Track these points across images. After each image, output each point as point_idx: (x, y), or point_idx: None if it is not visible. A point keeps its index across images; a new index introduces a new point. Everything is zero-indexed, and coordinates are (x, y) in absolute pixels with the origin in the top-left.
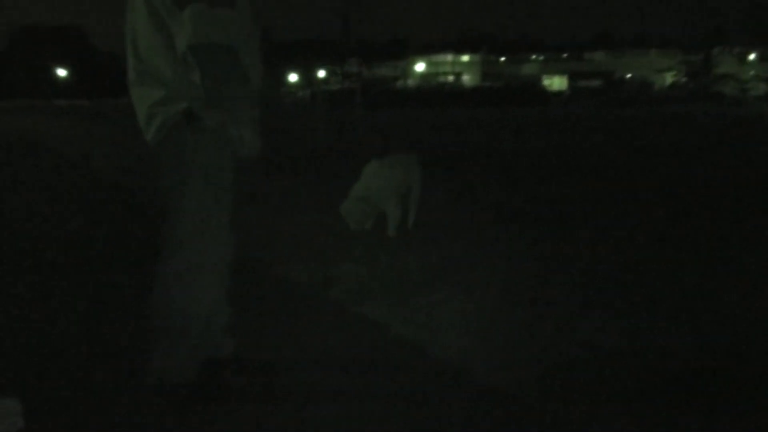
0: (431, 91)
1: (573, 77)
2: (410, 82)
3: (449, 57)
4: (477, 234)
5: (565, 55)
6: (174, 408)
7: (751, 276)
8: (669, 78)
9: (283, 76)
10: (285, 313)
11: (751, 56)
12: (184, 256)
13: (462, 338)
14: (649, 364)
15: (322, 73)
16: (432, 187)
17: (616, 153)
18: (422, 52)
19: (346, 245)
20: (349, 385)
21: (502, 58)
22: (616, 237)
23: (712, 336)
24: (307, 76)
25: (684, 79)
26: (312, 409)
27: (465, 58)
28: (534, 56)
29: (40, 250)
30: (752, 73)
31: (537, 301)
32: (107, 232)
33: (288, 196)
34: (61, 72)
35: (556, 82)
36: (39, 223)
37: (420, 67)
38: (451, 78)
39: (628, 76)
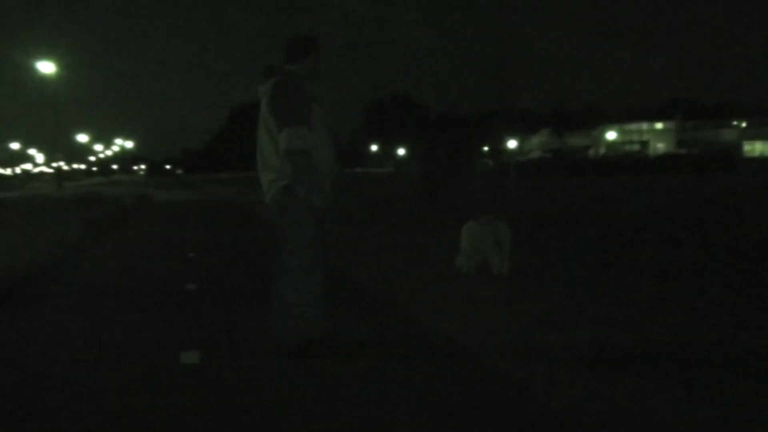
0: (616, 159)
1: None
2: (601, 151)
3: (643, 125)
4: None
5: None
6: (295, 358)
7: None
8: None
9: (479, 147)
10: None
11: None
12: (292, 266)
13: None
14: None
15: (513, 143)
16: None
17: None
18: (616, 120)
19: (448, 281)
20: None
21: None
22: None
23: None
24: (495, 147)
25: None
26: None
27: (659, 125)
28: (735, 122)
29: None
30: None
31: None
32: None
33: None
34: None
35: (758, 148)
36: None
37: (611, 135)
38: (637, 147)
39: None
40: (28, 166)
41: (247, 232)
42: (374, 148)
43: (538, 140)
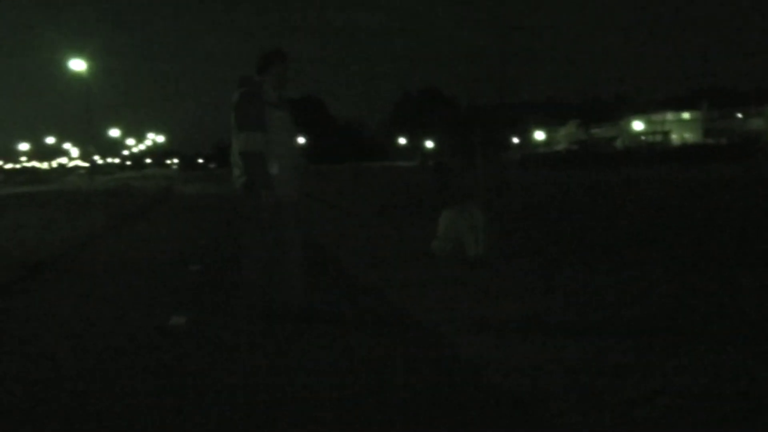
0: (637, 150)
1: None
2: (619, 143)
3: (669, 115)
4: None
5: None
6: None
7: None
8: None
9: (506, 138)
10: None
11: None
12: (249, 246)
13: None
14: None
15: (541, 135)
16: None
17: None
18: (644, 110)
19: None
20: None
21: (738, 114)
22: None
23: None
24: (524, 138)
25: None
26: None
27: (685, 115)
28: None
29: None
30: None
31: None
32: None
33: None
34: (300, 140)
35: None
36: None
37: (638, 126)
38: (658, 137)
39: None
40: (63, 160)
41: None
42: (402, 141)
43: (565, 132)
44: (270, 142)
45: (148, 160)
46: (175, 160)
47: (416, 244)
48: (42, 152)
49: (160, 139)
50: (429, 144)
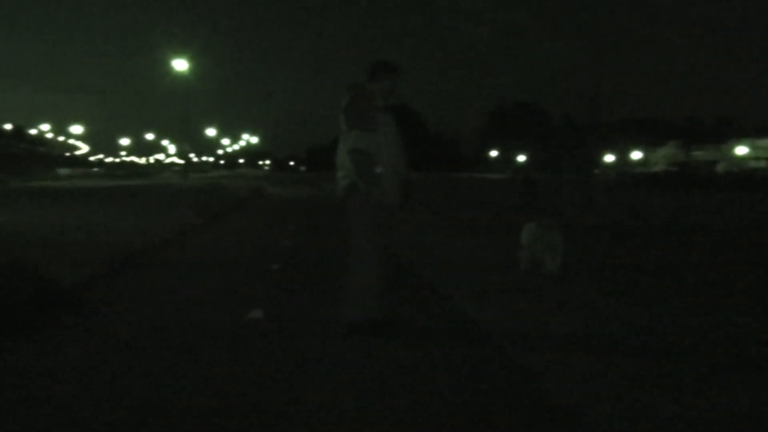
0: (740, 176)
1: None
2: (721, 167)
3: None
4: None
5: None
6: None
7: None
8: None
9: (600, 156)
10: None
11: None
12: (358, 252)
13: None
14: None
15: (638, 155)
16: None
17: None
18: (749, 134)
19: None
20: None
21: None
22: None
23: None
24: (622, 157)
25: None
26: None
27: None
28: None
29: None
30: None
31: None
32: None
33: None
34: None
35: None
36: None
37: (742, 150)
38: (762, 163)
39: None
40: (161, 156)
41: (333, 222)
42: (494, 153)
43: (664, 152)
44: (378, 144)
45: (241, 161)
46: (267, 162)
47: (499, 255)
48: (141, 148)
49: (254, 140)
50: (520, 157)
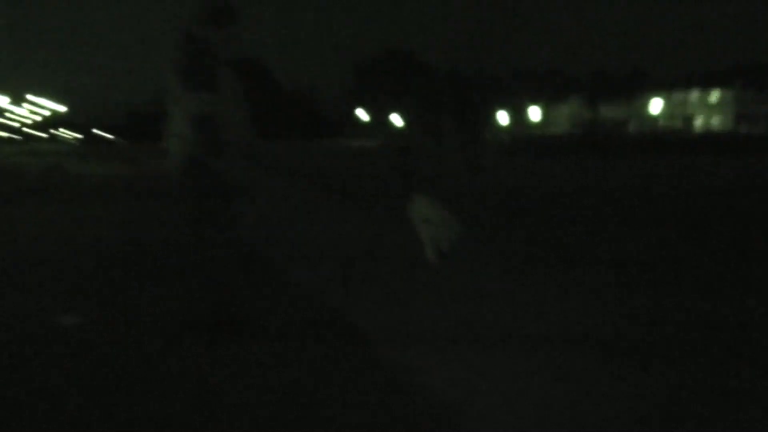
0: (653, 138)
1: None
2: (641, 126)
3: (695, 94)
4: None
5: None
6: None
7: None
8: None
9: (492, 116)
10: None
11: None
12: (204, 241)
13: None
14: None
15: (536, 115)
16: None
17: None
18: (662, 87)
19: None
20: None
21: None
22: None
23: None
24: (517, 116)
25: None
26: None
27: (714, 96)
28: None
29: None
30: None
31: None
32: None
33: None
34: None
35: None
36: None
37: (656, 107)
38: (678, 122)
39: None
40: None
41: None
42: (363, 115)
43: (568, 110)
44: (221, 108)
45: (41, 134)
46: (77, 135)
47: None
48: None
49: (60, 107)
50: (396, 120)
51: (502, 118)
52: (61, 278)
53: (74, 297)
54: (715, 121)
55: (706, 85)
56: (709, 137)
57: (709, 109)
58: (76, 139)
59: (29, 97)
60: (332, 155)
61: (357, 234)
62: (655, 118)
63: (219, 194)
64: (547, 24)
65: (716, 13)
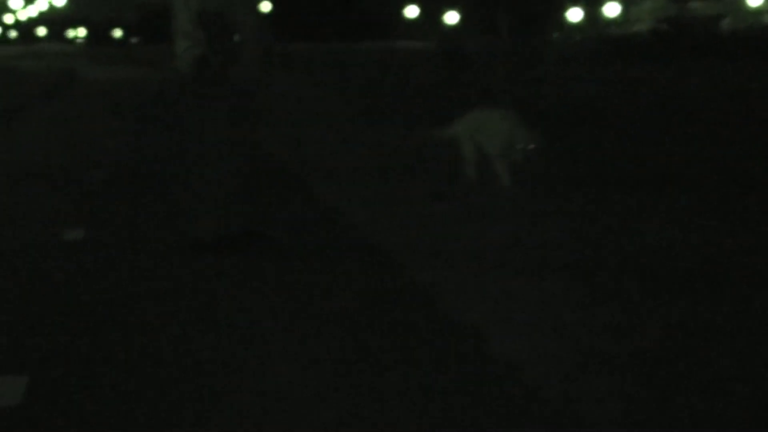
0: (751, 36)
1: None
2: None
3: None
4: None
5: None
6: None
7: None
8: None
9: (561, 13)
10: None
11: None
12: (206, 149)
13: None
14: None
15: (614, 10)
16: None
17: None
18: None
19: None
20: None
21: None
22: None
23: None
24: (592, 12)
25: None
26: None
27: None
28: None
29: None
30: None
31: None
32: None
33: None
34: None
35: None
36: None
37: (755, 1)
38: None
39: None
40: None
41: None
42: (413, 13)
43: (650, 5)
44: (233, 4)
45: (42, 32)
46: (81, 32)
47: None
48: None
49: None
50: (451, 18)
51: (574, 14)
52: (68, 192)
53: (80, 211)
54: None
55: None
56: None
57: None
58: (84, 38)
59: None
60: (373, 59)
61: (391, 151)
62: (755, 12)
63: (233, 103)
64: None
65: None
